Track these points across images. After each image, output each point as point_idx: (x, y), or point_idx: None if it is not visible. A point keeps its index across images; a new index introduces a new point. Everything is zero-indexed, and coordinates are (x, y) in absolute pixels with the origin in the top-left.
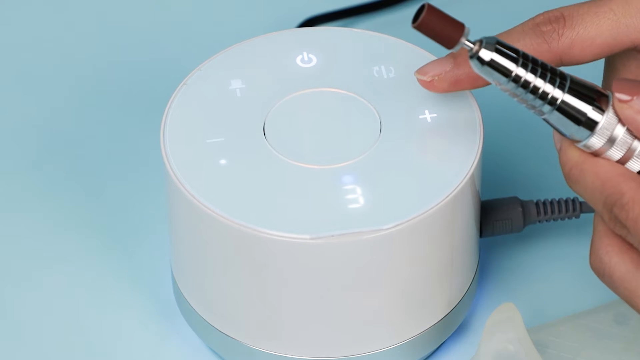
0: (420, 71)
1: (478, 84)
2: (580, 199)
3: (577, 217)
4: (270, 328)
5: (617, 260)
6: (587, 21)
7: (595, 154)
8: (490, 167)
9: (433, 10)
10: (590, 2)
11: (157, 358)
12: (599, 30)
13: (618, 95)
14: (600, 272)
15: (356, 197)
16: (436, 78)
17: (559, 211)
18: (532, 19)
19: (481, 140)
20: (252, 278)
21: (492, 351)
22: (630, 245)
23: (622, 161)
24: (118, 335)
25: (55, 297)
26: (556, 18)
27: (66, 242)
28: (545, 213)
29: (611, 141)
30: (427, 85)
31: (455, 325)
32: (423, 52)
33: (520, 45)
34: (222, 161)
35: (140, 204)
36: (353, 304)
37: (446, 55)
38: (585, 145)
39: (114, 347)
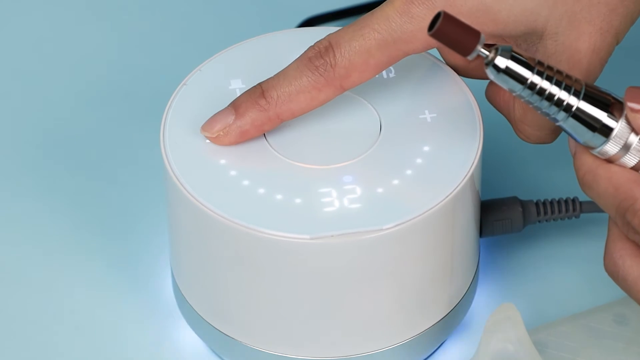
0: (204, 128)
1: (264, 129)
2: (580, 199)
3: (577, 217)
4: (270, 328)
5: (630, 263)
6: (355, 47)
7: (609, 160)
8: (490, 167)
9: (449, 18)
10: (354, 26)
11: (157, 358)
12: (369, 53)
13: (630, 104)
14: (615, 274)
15: (356, 197)
16: (221, 133)
17: (559, 211)
18: (305, 53)
19: (481, 141)
20: (252, 278)
21: (492, 351)
22: None
23: (636, 168)
24: (118, 335)
25: (54, 297)
26: (325, 49)
27: (66, 241)
28: (545, 213)
29: (625, 148)
30: (215, 140)
31: (455, 325)
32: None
33: (299, 85)
34: (222, 161)
35: (140, 204)
36: (353, 304)
37: (226, 107)
38: (599, 152)
39: (113, 347)
